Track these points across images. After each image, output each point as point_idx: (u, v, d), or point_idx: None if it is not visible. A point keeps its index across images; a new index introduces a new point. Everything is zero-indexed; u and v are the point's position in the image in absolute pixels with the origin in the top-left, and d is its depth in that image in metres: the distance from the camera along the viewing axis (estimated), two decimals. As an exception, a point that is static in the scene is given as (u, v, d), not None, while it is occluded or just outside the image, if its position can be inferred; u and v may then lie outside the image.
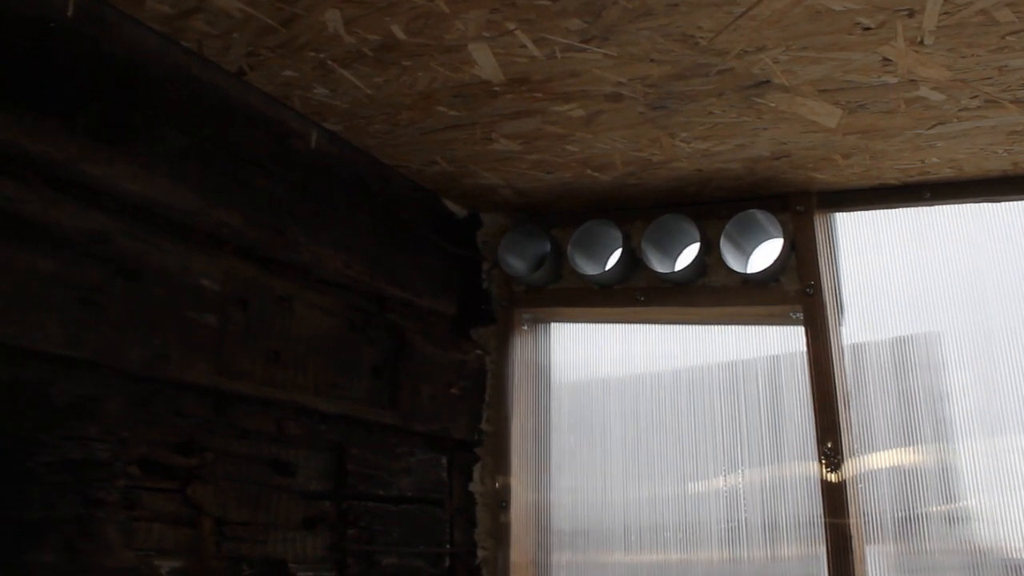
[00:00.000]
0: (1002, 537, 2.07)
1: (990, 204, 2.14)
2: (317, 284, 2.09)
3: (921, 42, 1.62)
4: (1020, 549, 2.05)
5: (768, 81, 1.78)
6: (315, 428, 2.03)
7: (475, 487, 2.41)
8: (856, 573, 2.03)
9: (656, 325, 2.43)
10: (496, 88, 1.88)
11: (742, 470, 2.29)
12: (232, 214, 1.90)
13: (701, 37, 1.66)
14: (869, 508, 2.13)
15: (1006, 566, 2.05)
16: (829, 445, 2.09)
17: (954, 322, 2.20)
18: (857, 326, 2.25)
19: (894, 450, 2.18)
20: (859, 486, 2.13)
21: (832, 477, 2.09)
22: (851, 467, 2.11)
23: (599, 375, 2.49)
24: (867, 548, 2.10)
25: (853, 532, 2.05)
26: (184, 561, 1.71)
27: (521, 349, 2.50)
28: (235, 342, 1.87)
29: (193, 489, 1.76)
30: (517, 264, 2.46)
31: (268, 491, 1.92)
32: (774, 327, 2.30)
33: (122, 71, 1.72)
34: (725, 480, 2.31)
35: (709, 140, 2.03)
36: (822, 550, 2.11)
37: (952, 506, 2.13)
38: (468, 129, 2.07)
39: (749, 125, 1.95)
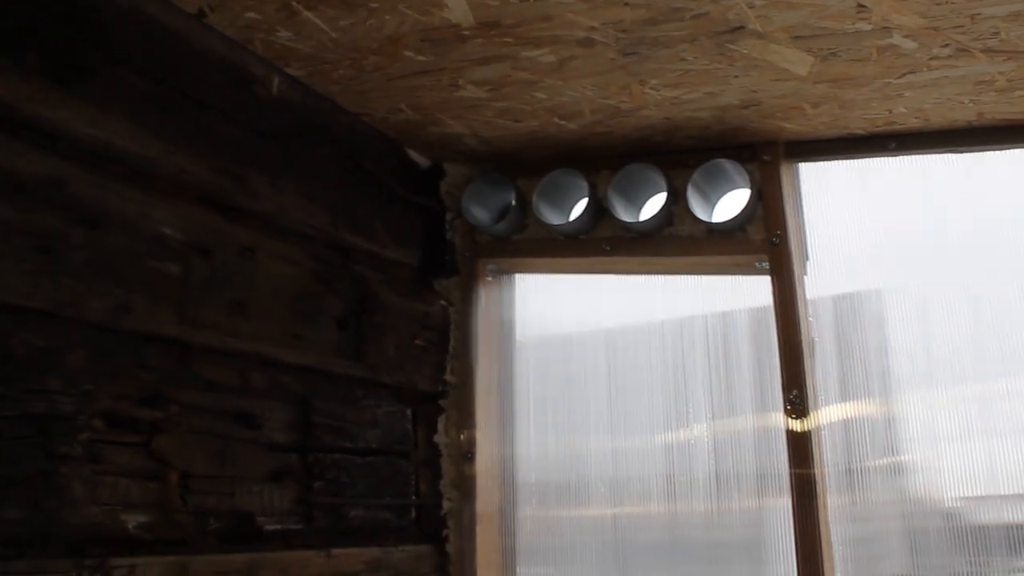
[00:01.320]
0: (939, 487, 2.12)
1: (954, 155, 2.16)
2: (280, 234, 2.04)
3: (897, -12, 1.62)
4: (956, 498, 2.11)
5: (743, 27, 1.76)
6: (280, 380, 2.00)
7: (440, 439, 2.40)
8: (820, 522, 2.06)
9: (622, 275, 2.42)
10: (466, 32, 1.84)
11: (704, 421, 2.31)
12: (194, 161, 1.84)
13: (678, -20, 1.64)
14: (824, 459, 2.16)
15: (943, 514, 2.11)
16: (795, 394, 2.11)
17: (904, 277, 2.23)
18: (816, 277, 2.27)
19: (844, 403, 2.22)
20: (821, 436, 2.16)
21: (797, 427, 2.11)
22: (814, 418, 2.13)
23: (564, 326, 2.48)
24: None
25: (817, 481, 2.08)
26: (150, 515, 1.68)
27: (485, 300, 2.48)
28: (199, 292, 1.82)
29: (158, 442, 1.72)
30: (481, 214, 2.43)
31: (234, 444, 1.88)
32: (740, 276, 2.31)
33: (75, 8, 1.64)
34: (686, 432, 2.32)
35: (679, 88, 2.01)
36: (780, 501, 2.14)
37: (896, 458, 2.18)
38: (435, 75, 2.02)
39: (720, 72, 1.94)
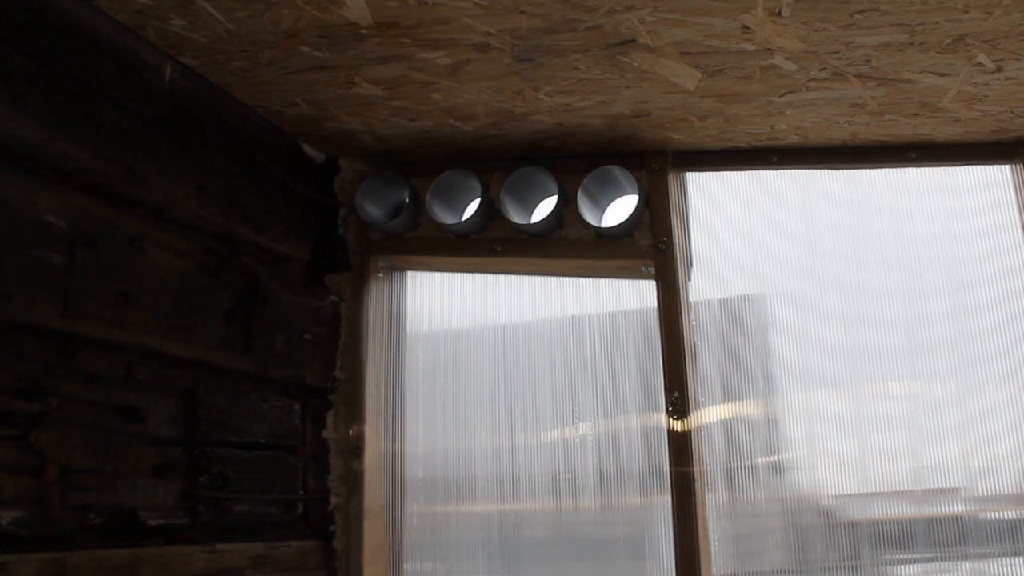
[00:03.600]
0: (817, 485, 2.24)
1: (830, 171, 2.28)
2: (170, 225, 2.01)
3: (779, 13, 1.70)
4: (832, 496, 2.23)
5: (633, 40, 1.83)
6: (166, 373, 1.97)
7: (328, 434, 2.40)
8: (698, 518, 2.15)
9: (512, 276, 2.47)
10: (364, 31, 1.85)
11: (590, 420, 2.38)
12: (80, 147, 1.80)
13: (573, -7, 1.68)
14: (705, 458, 2.25)
15: (820, 511, 2.23)
16: (676, 395, 2.19)
17: (784, 283, 2.34)
18: (700, 283, 2.36)
19: (726, 404, 2.32)
20: (701, 436, 2.25)
21: (678, 426, 2.19)
22: (695, 418, 2.22)
23: (454, 325, 2.51)
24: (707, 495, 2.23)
25: (696, 480, 2.17)
26: (26, 511, 1.64)
27: (376, 297, 2.50)
28: (83, 283, 1.78)
29: (36, 436, 1.68)
30: (374, 211, 2.44)
31: (117, 437, 1.85)
32: (627, 281, 2.38)
33: (-40, -12, 1.59)
34: (573, 430, 2.39)
35: (572, 95, 2.07)
36: (662, 498, 2.22)
37: (775, 457, 2.29)
38: (332, 71, 2.03)
39: (612, 83, 2.00)
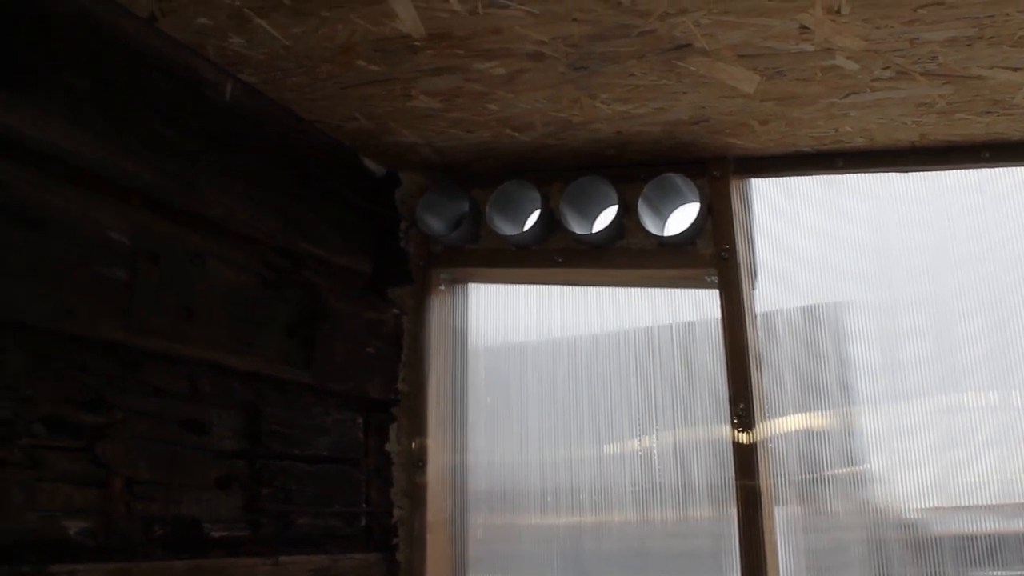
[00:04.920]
0: (899, 498, 2.16)
1: (899, 174, 2.21)
2: (230, 239, 2.04)
3: (838, 11, 1.65)
4: (915, 509, 2.15)
5: (689, 44, 1.79)
6: (228, 386, 2.00)
7: (391, 447, 2.40)
8: (765, 532, 2.09)
9: (574, 287, 2.45)
10: (417, 43, 1.85)
11: (656, 433, 2.33)
12: (141, 165, 1.84)
13: (624, -2, 1.66)
14: (777, 470, 2.19)
15: (901, 525, 2.14)
16: (741, 407, 2.14)
17: (860, 291, 2.27)
18: (769, 292, 2.31)
19: (801, 415, 2.25)
20: (769, 447, 2.19)
21: (743, 439, 2.14)
22: (762, 429, 2.16)
23: (517, 337, 2.50)
24: (775, 509, 2.16)
25: (763, 493, 2.11)
26: (93, 521, 1.67)
27: (438, 309, 2.50)
28: (146, 298, 1.82)
29: (102, 448, 1.71)
30: (435, 224, 2.44)
31: (180, 450, 1.88)
32: (690, 290, 2.34)
33: (22, 12, 1.64)
34: (639, 443, 2.35)
35: (629, 102, 2.04)
36: (733, 511, 2.16)
37: (854, 469, 2.21)
38: (388, 85, 2.03)
39: (669, 88, 1.97)
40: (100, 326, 1.73)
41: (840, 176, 2.25)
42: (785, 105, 2.00)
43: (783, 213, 2.32)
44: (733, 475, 2.14)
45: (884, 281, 2.25)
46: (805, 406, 2.24)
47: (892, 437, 2.20)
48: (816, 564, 2.18)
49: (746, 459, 2.13)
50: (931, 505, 2.15)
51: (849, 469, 2.22)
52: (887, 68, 1.82)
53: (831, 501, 2.20)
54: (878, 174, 2.21)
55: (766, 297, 2.30)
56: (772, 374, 2.25)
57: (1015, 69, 1.80)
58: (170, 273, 1.88)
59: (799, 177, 2.27)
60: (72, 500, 1.64)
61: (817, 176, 2.26)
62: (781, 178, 2.29)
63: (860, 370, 2.24)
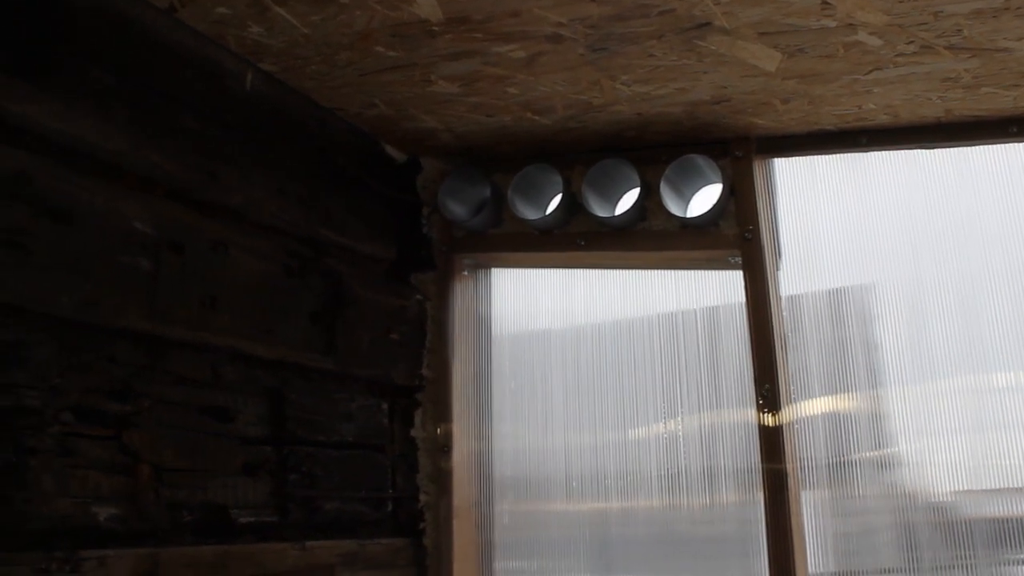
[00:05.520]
0: (928, 481, 2.14)
1: (924, 151, 2.18)
2: (252, 228, 2.05)
3: (860, -15, 1.63)
4: (944, 492, 2.12)
5: (709, 23, 1.78)
6: (252, 374, 2.01)
7: (417, 432, 2.41)
8: (792, 516, 2.07)
9: (597, 271, 2.44)
10: (435, 28, 1.85)
11: (682, 416, 2.32)
12: (164, 155, 1.85)
13: (642, -23, 1.65)
14: (805, 453, 2.17)
15: (931, 508, 2.12)
16: (766, 388, 2.13)
17: (886, 271, 2.24)
18: (794, 273, 2.28)
19: (828, 397, 2.23)
20: (795, 431, 2.17)
21: (769, 421, 2.12)
22: (788, 412, 2.15)
23: (541, 321, 2.49)
24: (802, 493, 2.15)
25: (789, 476, 2.09)
26: (122, 508, 1.69)
27: (461, 295, 2.50)
28: (170, 287, 1.83)
29: (129, 436, 1.73)
30: (457, 209, 2.44)
31: (206, 437, 1.89)
32: (714, 272, 2.32)
33: (45, 5, 1.65)
34: (665, 427, 2.34)
35: (649, 83, 2.03)
36: (760, 495, 2.15)
37: (882, 452, 2.19)
38: (407, 71, 2.03)
39: (689, 68, 1.95)
40: (126, 316, 1.74)
41: (866, 154, 2.22)
42: (807, 83, 1.98)
43: (809, 192, 2.30)
44: (759, 459, 2.13)
45: (910, 260, 2.22)
46: (831, 389, 2.22)
47: (921, 419, 2.18)
48: (845, 548, 2.16)
49: (772, 442, 2.11)
50: (961, 488, 2.13)
51: (878, 452, 2.20)
52: (911, 43, 1.80)
53: (859, 484, 2.18)
54: (904, 152, 2.18)
55: (792, 278, 2.27)
56: (798, 356, 2.23)
57: (1042, 41, 1.77)
58: (194, 263, 1.89)
59: (824, 156, 2.24)
60: (101, 487, 1.66)
61: (842, 155, 2.23)
62: (805, 157, 2.26)
63: (888, 351, 2.22)
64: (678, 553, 2.29)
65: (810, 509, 2.17)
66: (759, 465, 2.13)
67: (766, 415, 2.13)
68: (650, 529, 2.31)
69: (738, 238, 2.22)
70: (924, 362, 2.19)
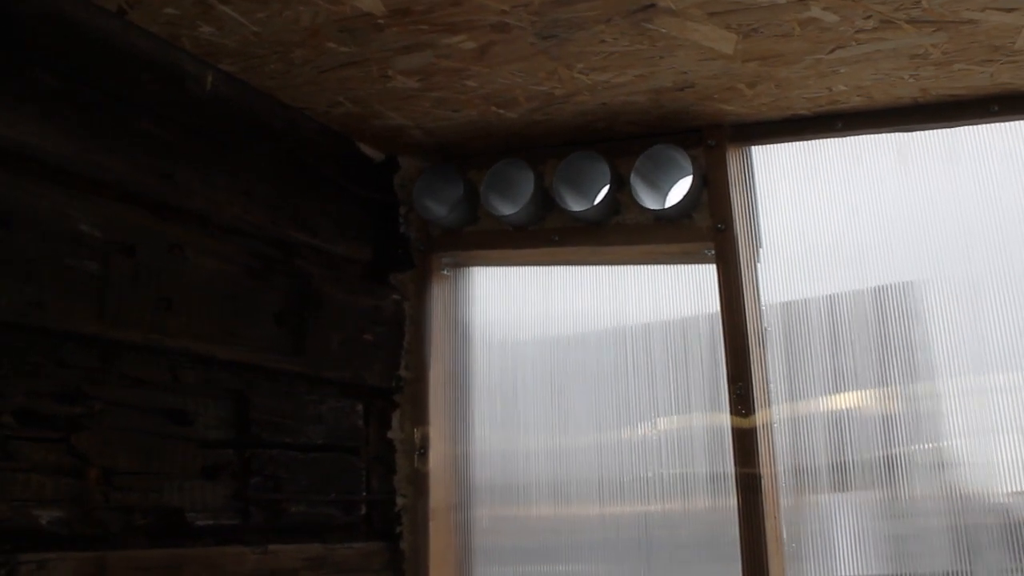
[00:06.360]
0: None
1: (903, 134, 2.08)
2: (214, 230, 2.04)
3: (804, -42, 1.56)
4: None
5: (653, 5, 1.71)
6: (214, 376, 1.99)
7: (394, 434, 2.37)
8: (767, 521, 1.99)
9: (575, 269, 2.38)
10: (380, 20, 1.81)
11: (662, 419, 2.24)
12: (115, 159, 1.85)
13: (576, -42, 1.59)
14: (777, 454, 2.08)
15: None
16: (739, 386, 2.04)
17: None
18: (777, 267, 2.18)
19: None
20: (775, 432, 2.08)
21: (742, 423, 2.03)
22: (764, 414, 2.05)
23: (520, 322, 2.44)
24: (779, 495, 2.06)
25: (765, 480, 2.00)
26: (67, 511, 1.68)
27: (440, 295, 2.46)
28: (121, 290, 1.83)
29: (77, 439, 1.72)
30: (434, 207, 2.40)
31: (163, 440, 1.88)
32: (697, 268, 2.24)
33: (-18, 9, 1.66)
34: (644, 430, 2.26)
35: (607, 71, 1.97)
36: (733, 500, 2.06)
37: (881, 453, 2.08)
38: (363, 66, 2.00)
39: (644, 53, 1.89)
40: (73, 319, 1.74)
41: (840, 139, 2.12)
42: (770, 65, 1.90)
43: (787, 181, 2.21)
44: (732, 462, 2.04)
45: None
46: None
47: (887, 421, 2.07)
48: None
49: (746, 445, 2.02)
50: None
51: (875, 453, 2.09)
52: (868, 17, 1.71)
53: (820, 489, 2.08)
54: (878, 135, 2.08)
55: (774, 273, 2.17)
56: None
57: (1009, 10, 1.67)
58: (147, 265, 1.88)
59: (798, 143, 2.15)
60: (45, 489, 1.66)
61: (816, 140, 2.14)
62: (780, 144, 2.18)
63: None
64: (656, 558, 2.20)
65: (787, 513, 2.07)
66: (733, 468, 2.03)
67: (739, 416, 2.04)
68: (631, 533, 2.24)
69: (711, 230, 2.14)
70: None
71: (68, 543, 1.68)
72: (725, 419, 2.08)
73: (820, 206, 2.19)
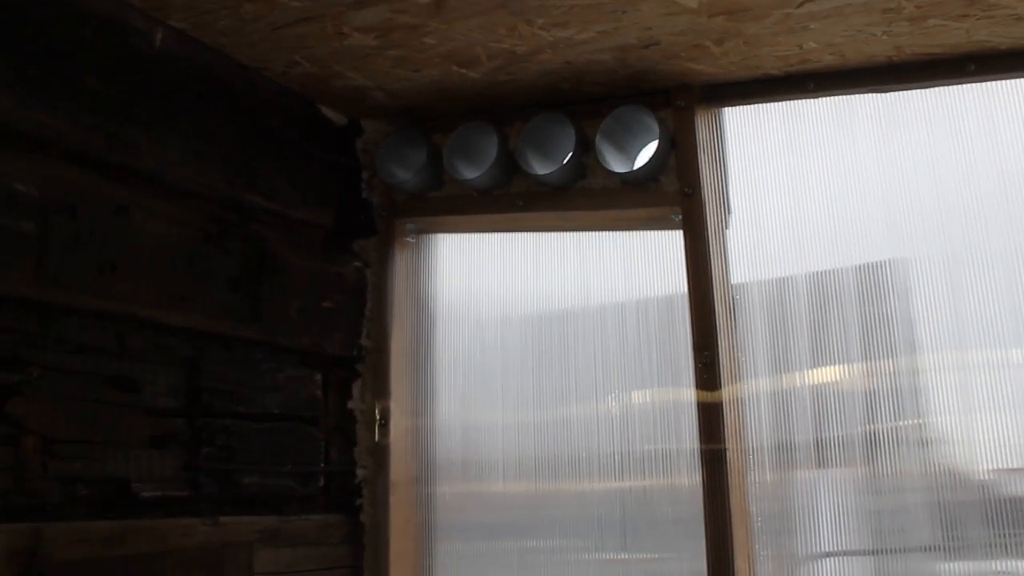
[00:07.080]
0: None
1: (877, 95, 2.00)
2: (164, 192, 1.97)
3: (766, -96, 1.48)
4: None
5: (612, -45, 1.64)
6: (164, 342, 1.93)
7: (355, 404, 2.31)
8: (732, 497, 1.93)
9: (543, 238, 2.30)
10: (330, -27, 1.74)
11: (631, 393, 2.18)
12: (56, 116, 1.77)
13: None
14: (752, 429, 2.02)
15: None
16: (706, 355, 1.98)
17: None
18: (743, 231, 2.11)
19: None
20: (742, 407, 2.01)
21: (708, 397, 1.96)
22: (732, 388, 1.99)
23: (485, 289, 2.37)
24: (747, 470, 2.00)
25: (731, 455, 1.94)
26: (1, 480, 1.62)
27: (403, 262, 2.39)
28: (60, 251, 1.76)
29: (13, 405, 1.66)
30: (398, 171, 2.33)
31: (108, 408, 1.82)
32: (662, 234, 2.17)
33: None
34: (613, 404, 2.19)
35: (569, 27, 1.89)
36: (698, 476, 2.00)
37: (843, 432, 2.03)
38: (318, 22, 1.93)
39: (606, 8, 1.81)
40: (8, 281, 1.67)
41: (814, 100, 2.05)
42: (737, 20, 1.82)
43: (759, 144, 2.13)
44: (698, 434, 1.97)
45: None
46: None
47: (869, 395, 2.01)
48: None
49: (712, 420, 1.95)
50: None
51: (856, 429, 2.03)
52: (837, -31, 1.64)
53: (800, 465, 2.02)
54: (851, 96, 2.01)
55: (745, 241, 2.09)
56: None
57: (983, -38, 1.59)
58: (89, 226, 1.81)
59: (770, 104, 2.08)
60: (-23, 459, 1.60)
61: (789, 102, 2.06)
62: (751, 106, 2.10)
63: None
64: (623, 534, 2.15)
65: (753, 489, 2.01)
66: (698, 441, 1.97)
67: (705, 382, 1.97)
68: (599, 510, 2.18)
69: (678, 194, 2.07)
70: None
71: (2, 514, 1.62)
72: (691, 392, 2.01)
73: (794, 172, 2.11)
